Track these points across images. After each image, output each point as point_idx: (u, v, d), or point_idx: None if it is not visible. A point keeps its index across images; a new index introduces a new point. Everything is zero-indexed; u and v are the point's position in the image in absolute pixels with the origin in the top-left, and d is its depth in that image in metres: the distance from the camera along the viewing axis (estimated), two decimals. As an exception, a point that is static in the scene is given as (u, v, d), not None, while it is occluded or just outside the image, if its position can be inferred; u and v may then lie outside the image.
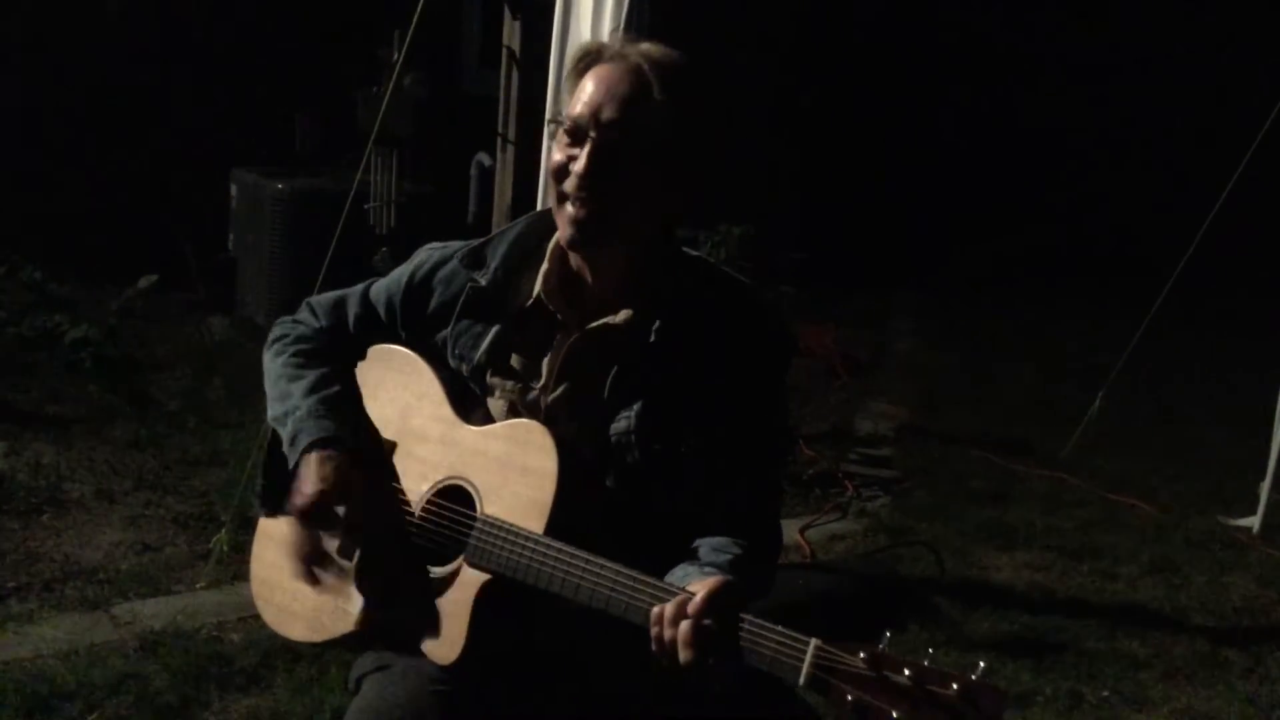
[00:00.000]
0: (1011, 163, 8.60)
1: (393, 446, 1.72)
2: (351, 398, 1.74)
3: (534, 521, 1.53)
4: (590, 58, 1.63)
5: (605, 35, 3.04)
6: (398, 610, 1.63)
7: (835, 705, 1.30)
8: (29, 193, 6.22)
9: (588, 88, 1.60)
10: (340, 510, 1.63)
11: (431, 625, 1.59)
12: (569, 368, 1.66)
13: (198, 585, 3.30)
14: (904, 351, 6.72)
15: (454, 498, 1.63)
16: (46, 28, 6.40)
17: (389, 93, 3.88)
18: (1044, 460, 4.89)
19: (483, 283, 1.71)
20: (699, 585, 1.41)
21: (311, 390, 1.71)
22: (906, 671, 1.27)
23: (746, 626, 1.36)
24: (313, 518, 1.62)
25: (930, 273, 7.76)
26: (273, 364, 1.78)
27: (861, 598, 3.63)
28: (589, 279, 1.67)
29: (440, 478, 1.65)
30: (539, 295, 1.68)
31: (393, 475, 1.70)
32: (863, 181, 8.16)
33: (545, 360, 1.68)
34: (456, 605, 1.57)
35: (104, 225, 6.24)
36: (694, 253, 1.75)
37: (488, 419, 1.68)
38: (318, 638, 1.73)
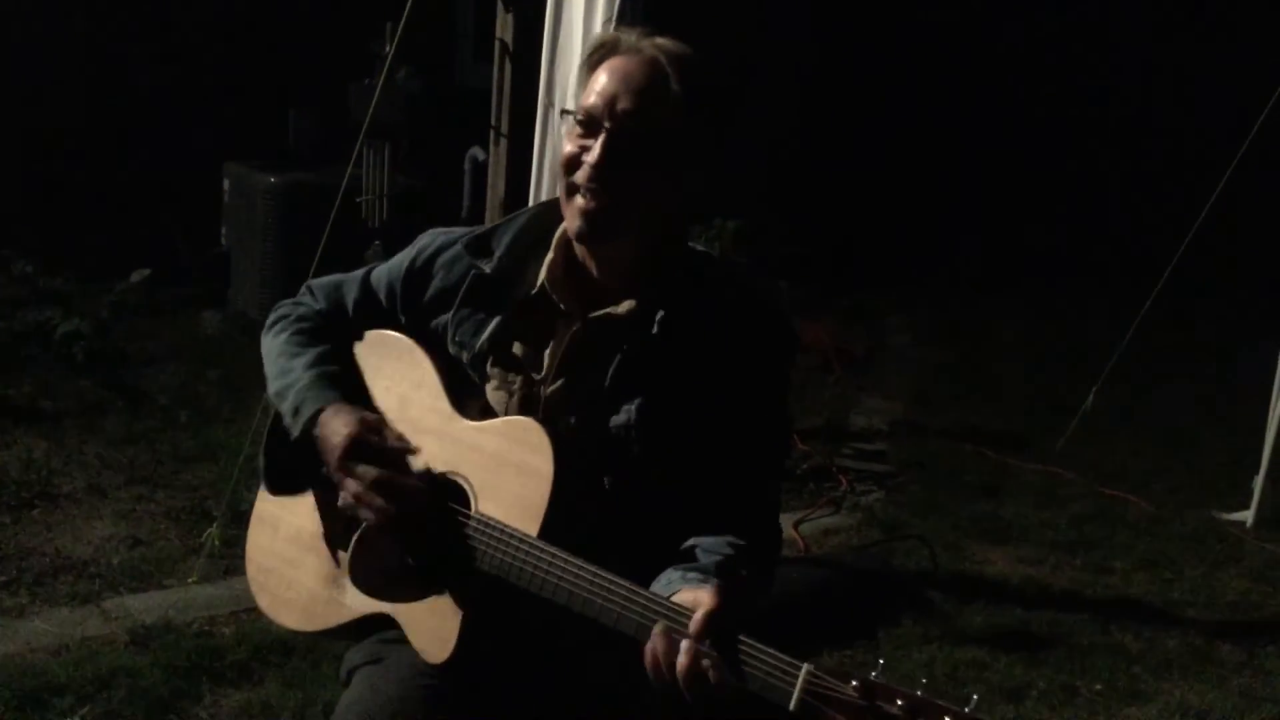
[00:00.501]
0: (1008, 159, 8.60)
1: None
2: (351, 378, 1.73)
3: (528, 523, 1.52)
4: (605, 50, 1.63)
5: (598, 28, 3.04)
6: (391, 600, 1.62)
7: None
8: (21, 187, 6.20)
9: (602, 79, 1.59)
10: (376, 445, 1.59)
11: (424, 622, 1.58)
12: (571, 358, 1.65)
13: (189, 580, 3.29)
14: (898, 346, 6.72)
15: (449, 493, 1.62)
16: (37, 22, 6.37)
17: (380, 86, 3.87)
18: (1038, 455, 4.89)
19: (487, 270, 1.70)
20: (687, 597, 1.40)
21: (313, 365, 1.70)
22: (899, 701, 1.25)
23: (742, 648, 1.34)
24: (353, 462, 1.57)
25: (926, 269, 7.76)
26: (273, 343, 1.77)
27: (855, 592, 3.63)
28: (594, 270, 1.66)
29: (436, 472, 1.64)
30: (543, 284, 1.67)
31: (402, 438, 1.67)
32: (859, 176, 8.15)
33: (547, 350, 1.66)
34: (448, 603, 1.56)
35: (96, 219, 6.22)
36: (700, 247, 1.74)
37: (486, 410, 1.67)
38: (311, 627, 1.72)
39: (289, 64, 6.52)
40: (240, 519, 3.30)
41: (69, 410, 4.45)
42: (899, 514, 4.23)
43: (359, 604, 1.65)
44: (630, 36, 1.63)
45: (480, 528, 1.55)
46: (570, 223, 1.62)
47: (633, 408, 1.60)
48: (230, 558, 3.32)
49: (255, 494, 1.83)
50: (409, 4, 3.28)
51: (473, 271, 1.71)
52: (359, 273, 1.82)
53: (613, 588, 1.44)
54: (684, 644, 1.36)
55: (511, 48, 3.51)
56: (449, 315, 1.71)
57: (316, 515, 1.71)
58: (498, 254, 1.70)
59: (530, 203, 3.26)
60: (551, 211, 1.70)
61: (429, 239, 1.78)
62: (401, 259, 1.78)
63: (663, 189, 1.60)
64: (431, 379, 1.70)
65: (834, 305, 6.71)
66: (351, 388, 1.71)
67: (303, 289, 1.85)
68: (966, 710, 1.24)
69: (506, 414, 1.65)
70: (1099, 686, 3.13)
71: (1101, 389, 4.90)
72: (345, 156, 3.98)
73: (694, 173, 1.63)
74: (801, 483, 4.42)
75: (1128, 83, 9.03)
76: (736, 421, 1.61)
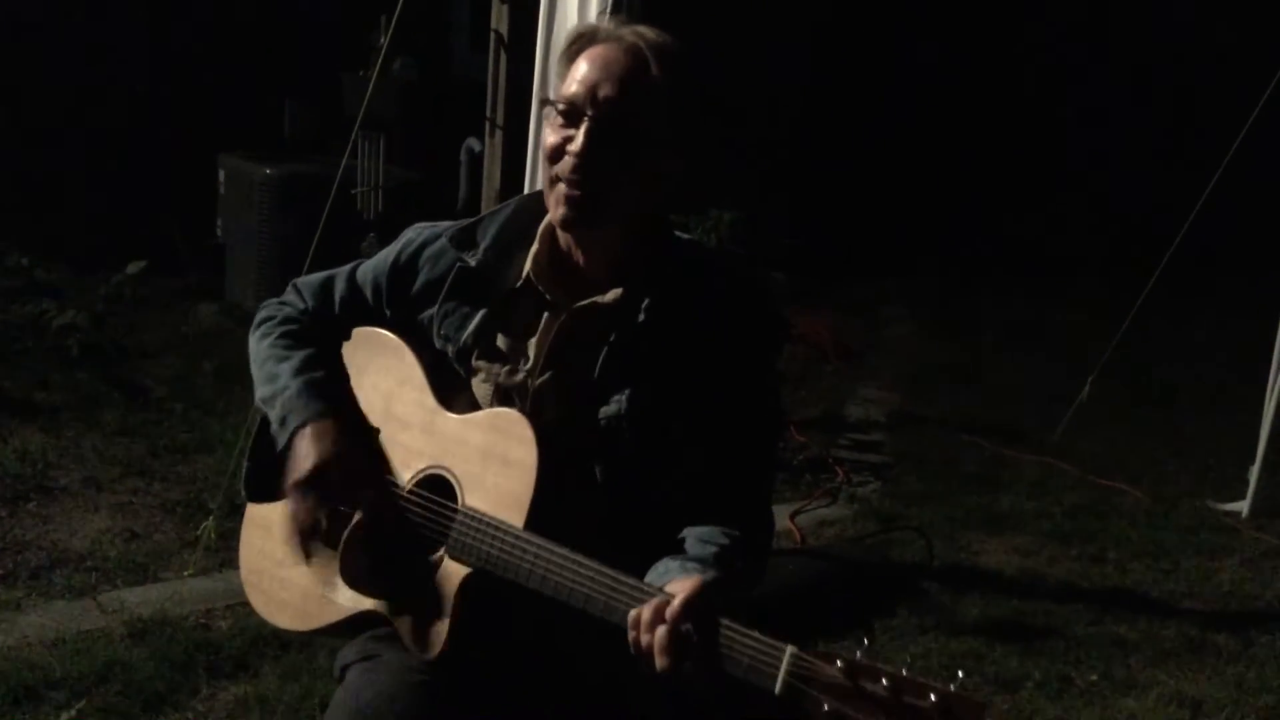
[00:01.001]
0: (1006, 151, 8.59)
1: (376, 433, 1.71)
2: (339, 380, 1.73)
3: (514, 515, 1.52)
4: (584, 39, 1.62)
5: (593, 18, 3.03)
6: (381, 596, 1.62)
7: (812, 715, 1.28)
8: (16, 179, 6.18)
9: (582, 68, 1.59)
10: (337, 481, 1.61)
11: (416, 618, 1.58)
12: (558, 349, 1.64)
13: (185, 572, 3.29)
14: (895, 337, 6.72)
15: (435, 488, 1.62)
16: (32, 14, 6.34)
17: (375, 77, 3.86)
18: (1034, 445, 4.90)
19: (472, 263, 1.69)
20: (679, 585, 1.39)
21: (299, 371, 1.69)
22: (884, 681, 1.25)
23: (724, 632, 1.34)
24: (310, 489, 1.60)
25: (923, 260, 7.75)
26: (259, 346, 1.77)
27: (851, 583, 3.64)
28: (579, 260, 1.66)
29: (422, 466, 1.64)
30: (528, 276, 1.67)
31: (381, 459, 1.68)
32: (856, 168, 8.14)
33: (532, 342, 1.66)
34: (440, 599, 1.56)
35: (92, 211, 6.21)
36: (686, 235, 1.73)
37: (471, 404, 1.67)
38: (304, 626, 1.73)
39: (284, 55, 6.50)
40: (236, 512, 3.27)
41: (65, 403, 4.45)
42: (895, 505, 4.23)
43: (350, 602, 1.65)
44: (608, 25, 1.63)
45: (466, 521, 1.55)
46: (554, 211, 1.61)
47: (623, 397, 1.59)
48: (226, 550, 3.31)
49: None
50: (404, -5, 3.27)
51: (458, 265, 1.70)
52: (345, 269, 1.82)
53: (598, 576, 1.43)
54: (663, 624, 1.36)
55: (507, 39, 3.50)
56: (434, 309, 1.71)
57: None
58: (482, 246, 1.70)
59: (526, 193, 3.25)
60: (536, 203, 1.70)
61: (414, 233, 1.78)
62: (386, 254, 1.78)
63: (646, 176, 1.60)
64: (417, 374, 1.69)
65: (831, 297, 6.71)
66: (340, 388, 1.71)
67: (289, 288, 1.84)
68: (951, 687, 1.24)
69: (492, 407, 1.65)
70: (1095, 677, 3.14)
71: (1097, 380, 4.90)
72: (340, 148, 3.97)
73: (677, 160, 1.62)
74: (798, 474, 4.42)
75: (1124, 75, 9.03)
76: (725, 409, 1.60)
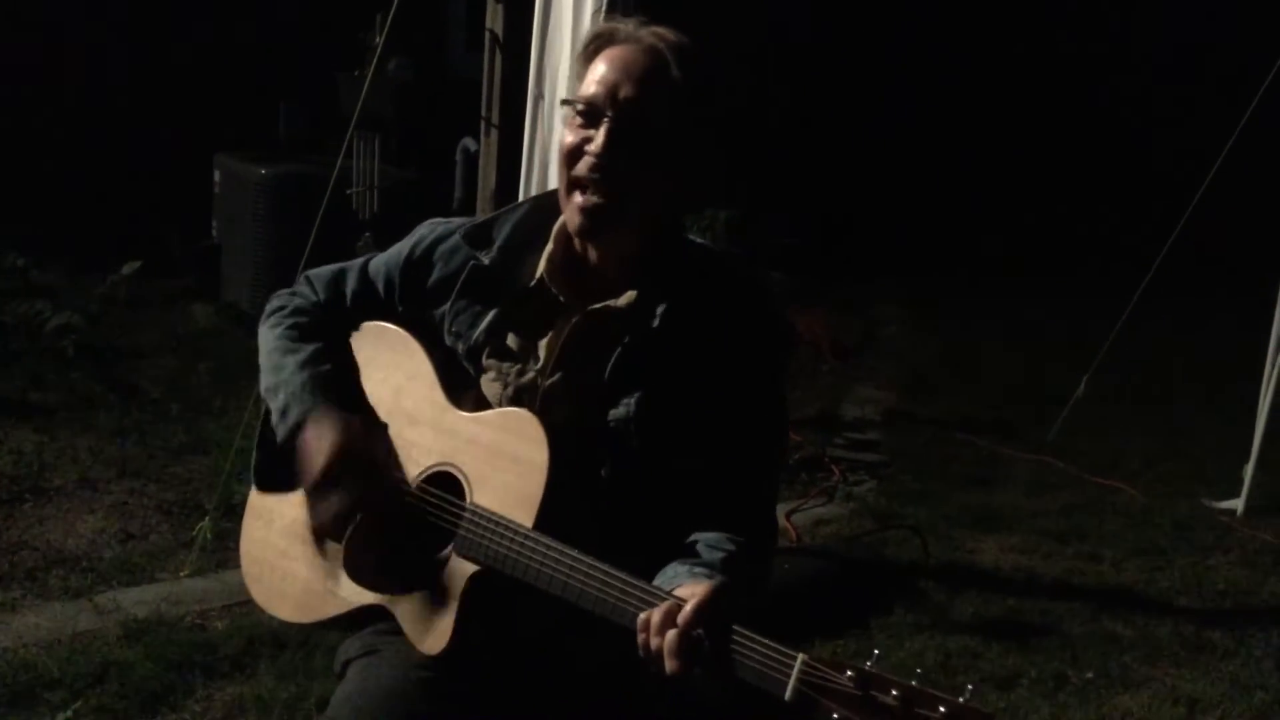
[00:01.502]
0: (1002, 150, 8.60)
1: (384, 427, 1.70)
2: (345, 374, 1.72)
3: (523, 514, 1.52)
4: (602, 39, 1.62)
5: (588, 18, 3.03)
6: (386, 591, 1.62)
7: None
8: (10, 179, 6.17)
9: (601, 68, 1.58)
10: (354, 466, 1.60)
11: (419, 614, 1.58)
12: (569, 351, 1.64)
13: (181, 573, 3.29)
14: (891, 337, 6.73)
15: (444, 485, 1.62)
16: (26, 14, 6.33)
17: (370, 77, 3.86)
18: (1029, 444, 4.91)
19: (485, 261, 1.69)
20: (689, 590, 1.39)
21: (305, 365, 1.69)
22: (894, 692, 1.25)
23: (735, 638, 1.34)
24: (328, 488, 1.59)
25: (918, 259, 7.76)
26: (268, 335, 1.76)
27: (847, 582, 3.64)
28: (594, 262, 1.65)
29: (430, 463, 1.64)
30: (542, 276, 1.66)
31: (389, 454, 1.68)
32: (851, 167, 8.15)
33: (544, 342, 1.66)
34: (445, 595, 1.56)
35: (86, 212, 6.19)
36: (698, 239, 1.73)
37: (480, 402, 1.66)
38: (306, 619, 1.72)
39: (279, 55, 6.50)
40: (232, 512, 3.30)
41: (60, 404, 4.44)
42: (891, 504, 4.24)
43: (354, 595, 1.65)
44: (627, 26, 1.63)
45: (474, 519, 1.55)
46: (571, 220, 1.61)
47: (632, 401, 1.59)
48: (222, 551, 3.32)
49: (248, 487, 1.83)
50: (399, -5, 3.27)
51: (471, 262, 1.70)
52: (357, 262, 1.81)
53: (607, 579, 1.43)
54: (674, 628, 1.36)
55: (502, 38, 3.50)
56: (446, 306, 1.71)
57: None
58: (497, 245, 1.69)
59: (520, 193, 3.25)
60: (551, 202, 1.69)
61: (427, 229, 1.77)
62: (400, 249, 1.77)
63: (665, 178, 1.60)
64: (427, 370, 1.69)
65: (826, 296, 6.71)
66: (345, 386, 1.70)
67: (300, 279, 1.83)
68: (961, 700, 1.24)
69: (502, 406, 1.64)
70: (1090, 675, 3.14)
71: (1092, 378, 4.91)
72: (336, 148, 3.97)
73: (695, 162, 1.62)
74: (794, 473, 4.43)
75: (1120, 72, 9.04)
76: (734, 416, 1.60)
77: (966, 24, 8.69)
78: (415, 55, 5.97)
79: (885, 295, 7.33)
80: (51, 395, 4.52)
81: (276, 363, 1.71)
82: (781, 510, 4.00)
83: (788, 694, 1.30)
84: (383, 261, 1.78)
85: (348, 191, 5.27)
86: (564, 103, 1.63)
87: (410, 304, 1.74)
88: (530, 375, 1.65)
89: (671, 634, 1.35)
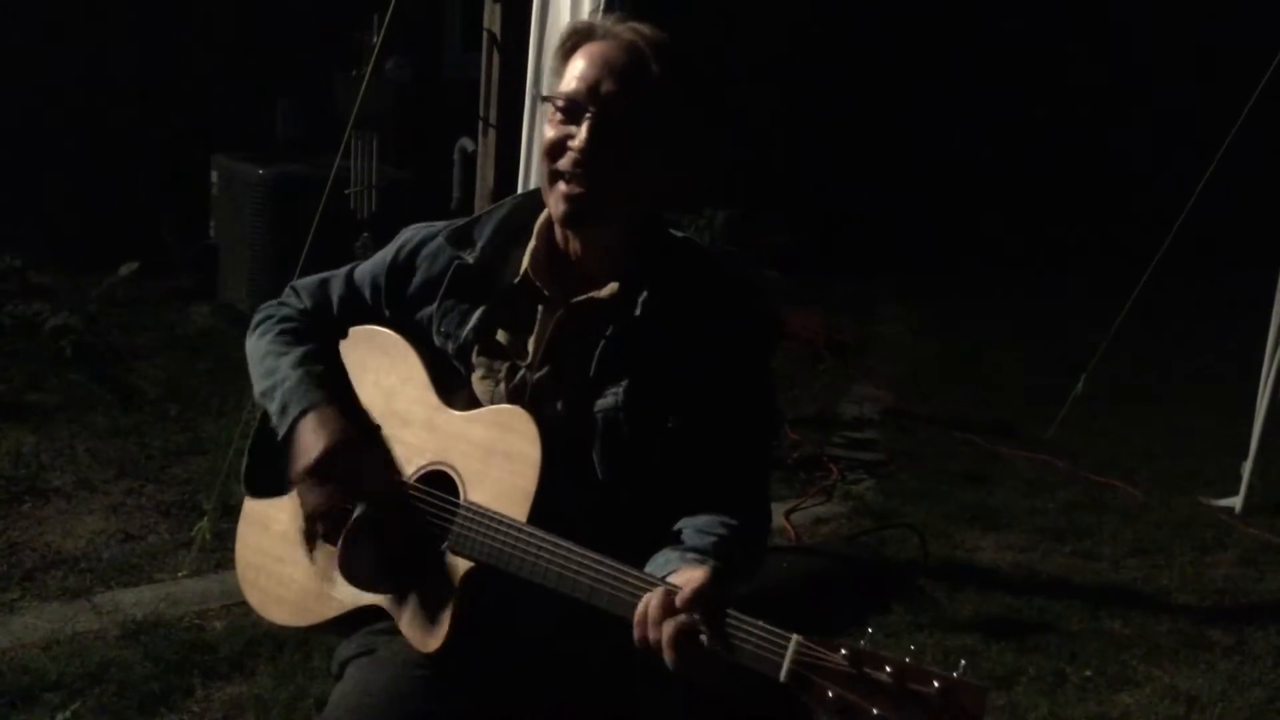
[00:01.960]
0: (999, 147, 8.60)
1: (377, 429, 1.71)
2: (338, 375, 1.73)
3: (517, 509, 1.52)
4: (579, 36, 1.63)
5: (585, 17, 3.03)
6: (382, 591, 1.62)
7: (816, 702, 1.29)
8: (7, 180, 6.16)
9: (580, 64, 1.59)
10: (346, 465, 1.61)
11: (416, 612, 1.58)
12: (555, 345, 1.65)
13: (180, 573, 3.29)
14: (889, 335, 6.73)
15: (438, 483, 1.62)
16: (22, 14, 6.33)
17: (368, 76, 3.85)
18: (1027, 442, 4.91)
19: (470, 261, 1.70)
20: (683, 576, 1.40)
21: (298, 364, 1.70)
22: (888, 669, 1.26)
23: (730, 622, 1.34)
24: (321, 475, 1.60)
25: (915, 258, 7.76)
26: (257, 345, 1.77)
27: (846, 581, 3.64)
28: (577, 257, 1.67)
29: (424, 463, 1.64)
30: (526, 272, 1.67)
31: (384, 454, 1.68)
32: (848, 166, 8.15)
33: (531, 338, 1.67)
34: (441, 593, 1.56)
35: (84, 212, 6.19)
36: (680, 234, 1.74)
37: (472, 400, 1.67)
38: (302, 622, 1.73)
39: (276, 55, 6.49)
40: (231, 512, 3.28)
41: (58, 404, 4.44)
42: (890, 502, 4.24)
43: (350, 597, 1.65)
44: (605, 21, 1.64)
45: (469, 516, 1.55)
46: (554, 208, 1.62)
47: (619, 390, 1.60)
48: (221, 551, 3.31)
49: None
50: (396, -6, 3.26)
51: (455, 263, 1.71)
52: (343, 270, 1.83)
53: (602, 569, 1.44)
54: (670, 617, 1.36)
55: (499, 38, 3.50)
56: (433, 307, 1.72)
57: None
58: (480, 244, 1.71)
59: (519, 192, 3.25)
60: (533, 200, 1.71)
61: (410, 233, 1.79)
62: (384, 255, 1.78)
63: (647, 172, 1.61)
64: (418, 371, 1.70)
65: (824, 295, 6.72)
66: (338, 385, 1.71)
67: (287, 289, 1.85)
68: (955, 674, 1.24)
69: (493, 403, 1.65)
70: (1089, 672, 3.15)
71: (1090, 376, 4.91)
72: (333, 148, 3.97)
73: (676, 155, 1.63)
74: (793, 472, 4.43)
75: (1119, 69, 9.04)
76: (721, 403, 1.61)
77: (966, 22, 8.69)
78: (413, 55, 5.98)
79: (884, 294, 7.33)
80: (49, 396, 4.51)
81: (270, 366, 1.72)
82: (780, 509, 4.00)
83: (783, 674, 1.31)
84: (368, 268, 1.79)
85: (345, 191, 5.27)
86: (544, 99, 1.64)
87: (397, 308, 1.75)
88: (520, 371, 1.66)
89: (669, 623, 1.36)
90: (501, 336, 1.69)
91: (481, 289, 1.70)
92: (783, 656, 1.31)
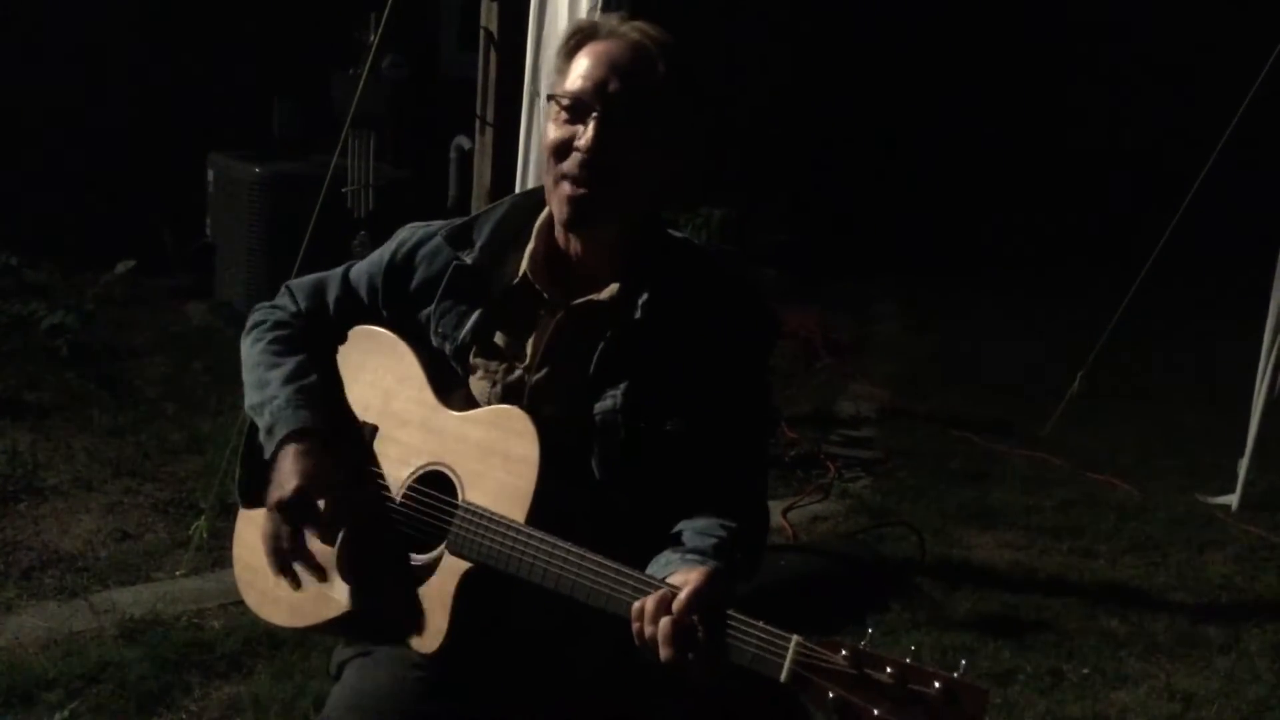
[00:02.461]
0: (996, 145, 8.61)
1: (374, 430, 1.71)
2: (330, 386, 1.73)
3: (515, 510, 1.52)
4: (584, 34, 1.62)
5: (583, 16, 3.02)
6: (379, 598, 1.62)
7: (816, 703, 1.29)
8: (3, 178, 6.15)
9: (585, 63, 1.58)
10: (320, 504, 1.61)
11: (413, 614, 1.58)
12: (555, 346, 1.65)
13: (177, 572, 3.28)
14: (886, 334, 6.73)
15: (435, 484, 1.62)
16: (20, 13, 6.32)
17: (365, 75, 3.85)
18: (1024, 440, 4.91)
19: (468, 261, 1.69)
20: (682, 577, 1.40)
21: (289, 379, 1.69)
22: (888, 669, 1.26)
23: (730, 623, 1.34)
24: (291, 512, 1.60)
25: (913, 256, 7.77)
26: (250, 351, 1.76)
27: (844, 579, 3.64)
28: (577, 258, 1.66)
29: (421, 463, 1.64)
30: (525, 274, 1.67)
31: (373, 462, 1.68)
32: (845, 165, 8.15)
33: (530, 339, 1.66)
34: (438, 594, 1.56)
35: (80, 211, 6.18)
36: (679, 233, 1.74)
37: (470, 401, 1.67)
38: (300, 623, 1.72)
39: (273, 53, 6.48)
40: (228, 511, 3.29)
41: (54, 403, 4.43)
42: (887, 500, 4.24)
43: (347, 598, 1.65)
44: (609, 20, 1.64)
45: (467, 517, 1.55)
46: (558, 210, 1.61)
47: (618, 393, 1.60)
48: (218, 550, 3.31)
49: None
50: (393, -7, 3.26)
51: (454, 263, 1.70)
52: (338, 270, 1.81)
53: (601, 570, 1.44)
54: (668, 615, 1.36)
55: (496, 36, 3.50)
56: (431, 308, 1.71)
57: None
58: (478, 244, 1.70)
59: (516, 192, 3.25)
60: (531, 201, 1.70)
61: (408, 233, 1.78)
62: (381, 254, 1.77)
63: (652, 172, 1.61)
64: (416, 372, 1.69)
65: (821, 293, 6.72)
66: (330, 396, 1.70)
67: (282, 289, 1.84)
68: (955, 675, 1.25)
69: (491, 404, 1.65)
70: (1086, 670, 3.15)
71: (1087, 374, 4.92)
72: (330, 146, 3.96)
73: (680, 156, 1.63)
74: (790, 470, 4.43)
75: (1116, 66, 9.05)
76: (719, 404, 1.61)
77: (964, 21, 8.69)
78: (410, 53, 5.96)
79: (881, 292, 7.34)
80: (46, 395, 4.51)
81: (260, 378, 1.71)
82: (778, 507, 4.00)
83: (783, 675, 1.31)
84: (364, 267, 1.78)
85: (342, 190, 5.27)
86: (549, 97, 1.63)
87: (394, 308, 1.75)
88: (518, 373, 1.65)
89: (666, 622, 1.36)
90: (499, 338, 1.68)
91: (480, 290, 1.69)
92: (783, 657, 1.31)
